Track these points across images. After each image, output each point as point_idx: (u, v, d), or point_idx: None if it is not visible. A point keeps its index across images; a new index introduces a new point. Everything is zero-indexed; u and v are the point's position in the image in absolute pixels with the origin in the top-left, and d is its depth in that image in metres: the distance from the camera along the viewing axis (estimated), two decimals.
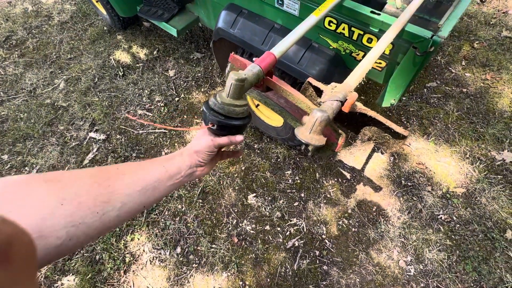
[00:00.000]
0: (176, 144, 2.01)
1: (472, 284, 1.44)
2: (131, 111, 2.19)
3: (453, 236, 1.56)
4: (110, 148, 2.02)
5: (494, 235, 1.54)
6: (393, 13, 1.31)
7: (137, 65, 2.48)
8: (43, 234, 0.33)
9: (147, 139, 2.04)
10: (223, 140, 0.59)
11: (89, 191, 0.39)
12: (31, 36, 2.79)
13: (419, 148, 1.86)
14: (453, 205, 1.66)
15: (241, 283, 1.50)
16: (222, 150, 0.67)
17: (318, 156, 1.82)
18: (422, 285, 1.45)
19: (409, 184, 1.74)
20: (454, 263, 1.49)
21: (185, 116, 2.14)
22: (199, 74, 2.38)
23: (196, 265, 1.56)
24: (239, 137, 0.61)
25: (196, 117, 2.13)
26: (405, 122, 1.99)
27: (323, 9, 0.82)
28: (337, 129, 0.71)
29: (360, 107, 0.69)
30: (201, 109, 0.67)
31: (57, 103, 2.29)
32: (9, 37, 2.81)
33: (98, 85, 2.37)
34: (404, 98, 2.10)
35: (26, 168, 1.95)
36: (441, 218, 1.62)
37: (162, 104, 2.21)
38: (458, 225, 1.59)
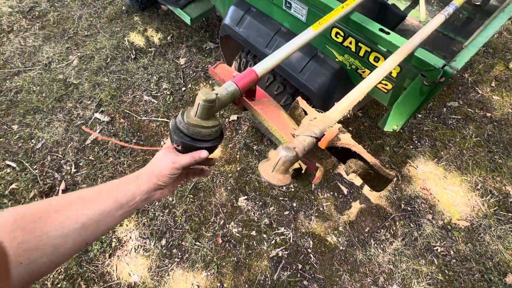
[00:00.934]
0: None
1: None
2: (138, 96, 2.20)
3: (446, 271, 1.47)
4: (112, 131, 2.04)
5: (492, 277, 1.44)
6: (415, 27, 1.19)
7: (150, 49, 2.46)
8: None
9: (149, 127, 2.05)
10: (186, 160, 0.54)
11: (13, 238, 0.34)
12: (53, 9, 2.83)
13: (426, 172, 1.75)
14: (453, 238, 1.55)
15: (219, 284, 1.50)
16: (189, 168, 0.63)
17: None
18: None
19: (408, 209, 1.64)
20: None
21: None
22: (210, 65, 2.33)
23: (178, 259, 1.57)
24: (203, 153, 0.56)
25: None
26: (416, 141, 1.86)
27: (323, 23, 0.74)
28: (316, 161, 0.65)
29: (343, 141, 0.63)
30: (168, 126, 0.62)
31: (69, 79, 2.33)
32: (33, 8, 2.86)
33: (110, 66, 2.38)
34: (419, 115, 1.96)
35: (32, 141, 2.02)
36: (437, 250, 1.53)
37: (168, 93, 2.20)
38: (454, 260, 1.50)
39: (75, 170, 1.89)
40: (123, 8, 2.75)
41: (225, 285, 1.50)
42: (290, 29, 1.16)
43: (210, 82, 2.24)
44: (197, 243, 1.61)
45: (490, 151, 1.78)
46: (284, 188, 1.75)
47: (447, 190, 1.68)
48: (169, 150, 0.56)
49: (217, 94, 0.59)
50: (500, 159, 1.74)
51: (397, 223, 1.61)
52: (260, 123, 0.81)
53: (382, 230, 1.59)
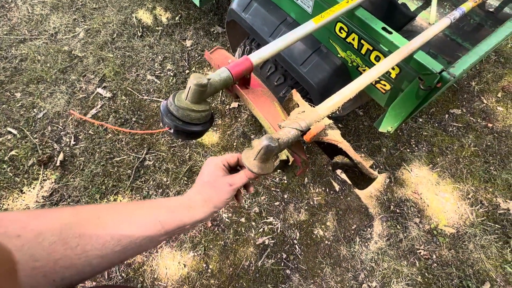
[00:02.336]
0: None
1: None
2: (141, 75, 2.19)
3: (426, 274, 1.51)
4: (113, 107, 2.05)
5: (471, 284, 1.47)
6: (424, 29, 1.17)
7: (157, 28, 2.43)
8: (3, 259, 0.27)
9: (150, 107, 2.06)
10: (242, 180, 0.52)
11: (50, 253, 0.31)
12: None
13: (419, 176, 1.75)
14: (437, 243, 1.58)
15: (204, 265, 1.55)
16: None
17: (285, 174, 1.75)
18: None
19: (397, 211, 1.66)
20: None
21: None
22: (206, 50, 2.30)
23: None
24: (252, 172, 0.53)
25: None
26: (413, 145, 1.86)
27: (326, 16, 0.73)
28: (302, 154, 0.66)
29: (331, 137, 0.63)
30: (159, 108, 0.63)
31: (74, 51, 2.32)
32: None
33: (116, 42, 2.36)
34: (420, 120, 1.95)
35: (34, 110, 2.04)
36: (420, 253, 1.55)
37: (172, 74, 2.19)
38: (436, 265, 1.53)
39: (74, 142, 1.91)
40: None
41: (210, 266, 1.55)
42: (295, 20, 1.14)
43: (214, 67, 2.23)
44: None
45: (486, 161, 1.78)
46: (277, 179, 1.77)
47: (438, 196, 1.70)
48: (219, 169, 0.52)
49: (209, 79, 0.59)
50: (495, 170, 1.75)
51: (384, 224, 1.63)
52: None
53: (369, 229, 1.62)
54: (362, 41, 0.89)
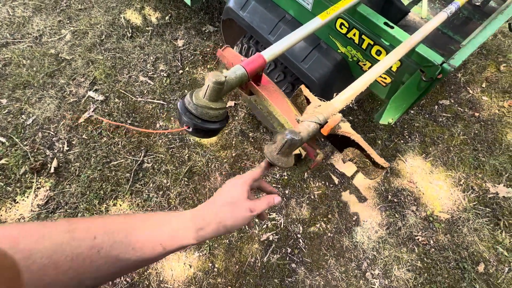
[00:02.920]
0: (172, 118, 1.99)
1: None
2: (133, 76, 2.15)
3: (425, 259, 1.57)
4: (106, 110, 2.01)
5: (466, 266, 1.55)
6: (416, 23, 1.21)
7: (147, 28, 2.39)
8: (6, 266, 0.26)
9: (144, 108, 2.02)
10: (263, 206, 0.48)
11: (40, 277, 0.29)
12: None
13: (414, 166, 1.82)
14: (434, 229, 1.65)
15: (210, 264, 1.55)
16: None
17: (297, 168, 1.77)
18: None
19: (395, 200, 1.72)
20: (419, 285, 1.51)
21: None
22: (208, 49, 2.29)
23: None
24: (277, 199, 0.51)
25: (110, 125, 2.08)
26: (406, 136, 1.93)
27: (331, 12, 0.75)
28: (315, 148, 0.68)
29: (344, 130, 0.65)
30: (176, 107, 0.62)
31: (61, 54, 2.25)
32: None
33: (104, 43, 2.30)
34: (412, 112, 2.02)
35: (22, 116, 1.97)
36: (418, 239, 1.62)
37: (165, 75, 2.16)
38: (433, 249, 1.59)
39: (68, 148, 1.86)
40: None
41: (216, 265, 1.55)
42: (294, 17, 1.16)
43: (209, 66, 2.21)
44: None
45: (475, 149, 1.86)
46: (277, 175, 1.79)
47: (432, 184, 1.77)
48: (243, 187, 0.48)
49: (225, 77, 0.60)
50: (483, 157, 1.83)
51: (383, 213, 1.68)
52: (261, 110, 0.83)
53: (369, 219, 1.67)
54: (363, 36, 0.92)
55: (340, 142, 0.77)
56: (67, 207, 1.68)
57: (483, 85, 2.11)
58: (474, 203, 1.70)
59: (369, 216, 1.68)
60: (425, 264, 1.56)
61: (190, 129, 0.60)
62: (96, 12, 2.48)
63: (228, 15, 1.36)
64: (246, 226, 0.56)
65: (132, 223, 0.38)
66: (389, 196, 1.73)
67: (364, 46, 0.95)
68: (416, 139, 1.92)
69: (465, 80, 2.14)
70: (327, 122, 0.58)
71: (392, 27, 0.81)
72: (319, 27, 0.73)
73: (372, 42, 0.91)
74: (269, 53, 0.65)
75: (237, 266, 1.56)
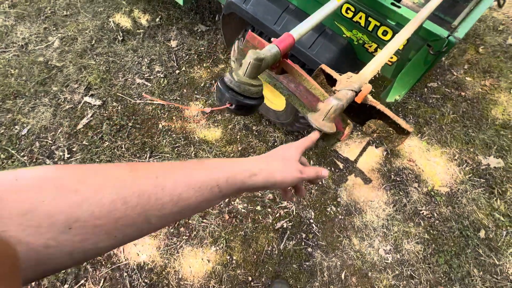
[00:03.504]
0: (173, 117, 1.98)
1: (442, 275, 1.55)
2: (129, 79, 2.13)
3: (431, 231, 1.66)
4: (105, 115, 1.97)
5: (469, 233, 1.65)
6: (408, 6, 1.29)
7: (138, 31, 2.37)
8: (7, 255, 0.24)
9: (144, 110, 2.01)
10: (312, 174, 0.49)
11: (110, 211, 0.30)
12: None
13: (411, 146, 1.92)
14: (436, 202, 1.74)
15: (228, 257, 1.57)
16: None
17: (322, 143, 1.84)
18: (397, 272, 1.56)
19: (397, 179, 1.81)
20: (429, 255, 1.60)
21: (184, 90, 2.10)
22: (202, 48, 2.31)
23: (186, 237, 1.60)
24: (325, 172, 0.52)
25: (196, 92, 2.09)
26: (402, 119, 2.03)
27: None
28: (346, 119, 0.72)
29: (371, 100, 0.70)
30: (214, 86, 0.65)
31: (51, 62, 2.18)
32: None
33: (95, 48, 2.26)
34: (404, 97, 2.13)
35: (16, 127, 1.90)
36: (423, 213, 1.71)
37: (161, 76, 2.15)
38: (438, 221, 1.69)
39: (69, 155, 1.81)
40: None
41: (234, 257, 1.57)
42: (298, 7, 1.21)
43: (205, 65, 2.23)
44: (204, 220, 1.65)
45: (464, 126, 1.99)
46: None
47: (430, 161, 1.87)
48: (297, 149, 0.50)
49: (263, 55, 0.63)
50: (473, 132, 1.96)
51: (388, 192, 1.76)
52: (282, 90, 0.86)
53: (376, 199, 1.74)
54: (370, 19, 0.98)
55: (363, 116, 0.82)
56: None
57: (465, 67, 2.26)
58: (469, 175, 1.82)
59: (375, 196, 1.76)
60: (432, 236, 1.65)
61: (233, 106, 0.62)
62: (83, 17, 2.43)
63: (230, 9, 1.39)
64: (283, 196, 0.57)
65: (189, 165, 0.39)
66: (392, 176, 1.81)
67: (370, 28, 1.01)
68: (411, 120, 2.02)
69: (448, 63, 2.28)
70: (361, 90, 0.62)
71: (399, 7, 0.87)
72: (337, 7, 0.78)
73: (378, 24, 0.97)
74: (298, 32, 0.69)
75: (254, 256, 1.58)
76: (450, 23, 1.12)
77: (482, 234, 1.65)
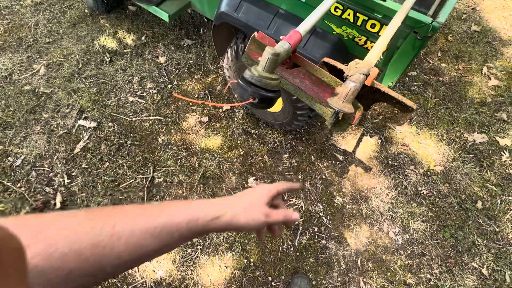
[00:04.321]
0: (172, 131, 1.99)
1: (450, 249, 1.63)
2: (122, 98, 2.13)
3: (433, 209, 1.75)
4: (102, 136, 1.95)
5: (468, 206, 1.75)
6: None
7: (125, 50, 2.39)
8: (13, 248, 0.24)
9: (142, 126, 2.01)
10: (279, 217, 0.46)
11: (61, 265, 0.30)
12: (0, 18, 2.56)
13: (403, 132, 2.03)
14: (433, 181, 1.84)
15: (245, 260, 1.57)
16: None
17: (335, 129, 1.88)
18: (408, 252, 1.62)
19: (395, 164, 1.90)
20: (435, 232, 1.68)
21: (179, 103, 2.12)
22: (191, 61, 2.35)
23: (201, 247, 1.59)
24: (295, 215, 0.49)
25: (191, 104, 2.12)
26: None
27: None
28: (356, 103, 0.79)
29: (377, 83, 0.77)
30: (237, 85, 0.69)
31: (38, 89, 2.15)
32: None
33: (83, 71, 2.25)
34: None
35: (9, 158, 1.84)
36: (423, 193, 1.80)
37: (154, 91, 2.17)
38: (438, 199, 1.78)
39: (69, 180, 1.77)
40: (86, 11, 2.61)
41: (251, 260, 1.57)
42: (288, 11, 1.29)
43: (196, 77, 2.27)
44: None
45: (447, 108, 2.14)
46: (287, 164, 1.88)
47: (421, 144, 1.98)
48: (264, 192, 0.48)
49: (278, 51, 0.68)
50: (455, 113, 2.11)
51: (389, 177, 1.85)
52: (289, 86, 0.92)
53: (378, 185, 1.82)
54: (358, 14, 1.07)
55: (366, 101, 0.89)
56: None
57: (439, 54, 2.44)
58: (459, 152, 1.94)
59: (377, 183, 1.83)
60: (435, 213, 1.74)
61: (256, 100, 0.67)
62: (66, 42, 2.42)
63: (221, 19, 1.46)
64: (256, 234, 0.53)
65: (150, 211, 0.38)
66: (389, 161, 1.90)
67: (359, 23, 1.10)
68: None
69: (424, 52, 2.46)
70: (369, 74, 0.69)
71: (384, 0, 0.97)
72: (333, 2, 0.85)
73: (366, 18, 1.06)
74: (303, 28, 0.75)
75: (271, 256, 1.59)
76: (425, 13, 1.23)
77: (479, 205, 1.76)
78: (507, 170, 1.88)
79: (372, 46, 1.15)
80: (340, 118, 0.86)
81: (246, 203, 0.45)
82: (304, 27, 0.76)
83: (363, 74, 0.66)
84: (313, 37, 1.24)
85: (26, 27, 2.50)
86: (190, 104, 2.11)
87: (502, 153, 1.94)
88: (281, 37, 0.75)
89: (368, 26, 1.08)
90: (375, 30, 1.08)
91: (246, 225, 0.43)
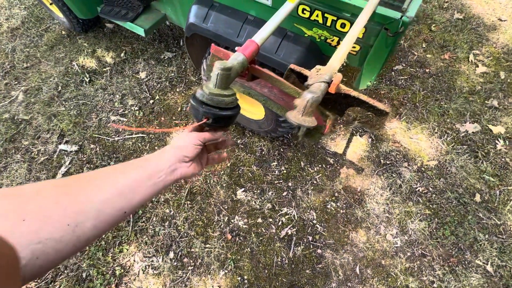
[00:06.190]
0: (156, 147, 1.94)
1: (451, 247, 1.56)
2: (104, 118, 2.07)
3: (431, 206, 1.68)
4: (84, 159, 1.90)
5: (466, 200, 1.69)
6: None
7: (104, 69, 2.34)
8: (3, 253, 0.28)
9: (125, 146, 1.95)
10: (207, 133, 0.57)
11: (57, 202, 0.35)
12: None
13: (393, 128, 1.97)
14: (428, 177, 1.78)
15: (239, 278, 1.50)
16: (208, 154, 0.63)
17: (307, 141, 1.85)
18: (408, 254, 1.55)
19: (387, 162, 1.84)
20: (434, 230, 1.61)
21: (162, 118, 2.07)
22: (173, 74, 2.31)
23: (192, 267, 1.53)
24: (219, 133, 0.60)
25: (174, 118, 2.07)
26: None
27: None
28: (324, 112, 0.73)
29: (344, 88, 0.72)
30: (189, 105, 0.64)
31: (17, 116, 2.10)
32: None
33: (63, 94, 2.21)
34: (375, 82, 2.21)
35: None
36: (419, 190, 1.73)
37: (136, 108, 2.12)
38: (434, 195, 1.72)
39: None
40: (63, 32, 2.58)
41: (245, 277, 1.50)
42: (257, 16, 1.24)
43: (178, 90, 2.22)
44: (207, 245, 1.58)
45: (436, 99, 2.08)
46: (276, 172, 1.82)
47: (413, 139, 1.92)
48: (186, 130, 0.58)
49: (230, 64, 0.63)
50: (445, 104, 2.05)
51: (382, 177, 1.78)
52: (259, 95, 0.87)
53: (371, 186, 1.76)
54: (326, 15, 1.02)
55: (340, 106, 0.83)
56: (68, 270, 1.52)
57: (424, 46, 2.39)
58: (452, 144, 1.88)
59: (370, 183, 1.77)
60: (433, 210, 1.67)
61: (210, 120, 0.61)
62: (45, 66, 2.38)
63: (191, 31, 1.41)
64: (212, 161, 0.62)
65: (94, 175, 0.43)
66: (382, 160, 1.84)
67: (328, 23, 1.04)
68: (386, 104, 2.09)
69: (407, 45, 2.41)
70: (332, 81, 0.63)
71: None
72: (291, 10, 0.80)
73: (335, 18, 1.01)
74: (259, 37, 0.70)
75: (266, 271, 1.52)
76: (400, 7, 1.18)
77: (477, 198, 1.69)
78: (503, 159, 1.82)
79: None
80: (311, 129, 0.80)
81: (176, 138, 0.54)
82: (261, 35, 0.71)
83: (324, 82, 0.61)
84: (284, 41, 1.19)
85: (3, 53, 2.46)
86: (165, 128, 2.06)
87: (497, 141, 1.88)
88: (236, 48, 0.69)
89: (338, 26, 1.03)
90: (346, 29, 1.03)
91: (184, 145, 0.52)
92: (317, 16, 1.04)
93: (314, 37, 1.15)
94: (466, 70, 2.22)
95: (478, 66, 2.22)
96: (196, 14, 1.34)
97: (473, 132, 1.93)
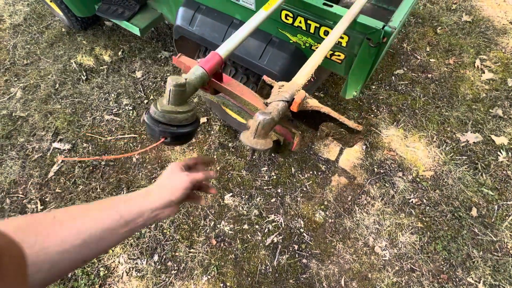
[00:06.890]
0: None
1: (442, 263, 1.50)
2: (98, 117, 2.08)
3: (423, 218, 1.62)
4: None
5: (461, 214, 1.62)
6: (351, 2, 1.30)
7: (101, 67, 2.35)
8: (12, 255, 0.29)
9: (116, 145, 1.96)
10: (199, 174, 0.53)
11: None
12: None
13: (389, 135, 1.91)
14: (423, 188, 1.71)
15: (221, 285, 1.49)
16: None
17: (277, 156, 1.81)
18: (396, 268, 1.50)
19: (381, 171, 1.78)
20: (426, 244, 1.55)
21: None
22: (169, 74, 2.29)
23: (175, 271, 1.52)
24: (212, 172, 0.57)
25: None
26: (375, 110, 2.02)
27: (273, 3, 0.79)
28: (291, 128, 0.69)
29: (313, 104, 0.68)
30: (142, 121, 0.61)
31: (14, 113, 2.13)
32: None
33: (60, 92, 2.23)
34: (373, 87, 2.14)
35: None
36: (412, 202, 1.67)
37: (130, 108, 2.12)
38: (428, 207, 1.65)
39: (42, 207, 1.74)
40: (63, 30, 2.60)
41: (228, 284, 1.49)
42: (242, 20, 1.20)
43: None
44: (191, 250, 1.57)
45: (437, 106, 2.00)
46: (266, 177, 1.79)
47: (409, 148, 1.85)
48: (176, 167, 0.53)
49: (186, 79, 0.60)
50: (446, 112, 1.97)
51: (374, 186, 1.73)
52: (233, 105, 0.84)
53: (363, 196, 1.71)
54: (309, 21, 0.97)
55: (313, 120, 0.79)
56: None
57: (428, 49, 2.30)
58: (451, 154, 1.81)
59: (362, 193, 1.72)
60: (425, 223, 1.61)
61: (168, 139, 0.58)
62: (44, 63, 2.40)
63: (178, 33, 1.38)
64: (195, 201, 0.58)
65: (88, 204, 0.43)
66: (375, 169, 1.79)
67: (312, 30, 1.00)
68: (384, 110, 2.02)
69: (410, 48, 2.32)
70: (293, 99, 0.59)
71: (331, 6, 0.87)
72: (265, 18, 0.76)
73: (318, 25, 0.96)
74: (224, 50, 0.66)
75: (249, 279, 1.50)
76: (393, 11, 1.12)
77: (474, 212, 1.62)
78: (504, 172, 1.73)
79: (331, 54, 1.05)
80: (281, 144, 0.77)
81: (165, 177, 0.52)
82: (226, 47, 0.68)
83: (283, 101, 0.57)
84: (269, 47, 1.15)
85: (4, 50, 2.50)
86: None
87: (499, 153, 1.80)
88: (198, 61, 0.66)
89: (321, 33, 0.99)
90: None
91: (173, 186, 0.49)
92: (300, 22, 1.00)
93: (299, 44, 1.11)
94: (471, 76, 2.12)
95: (484, 72, 2.12)
96: (183, 17, 1.31)
97: (474, 142, 1.84)
